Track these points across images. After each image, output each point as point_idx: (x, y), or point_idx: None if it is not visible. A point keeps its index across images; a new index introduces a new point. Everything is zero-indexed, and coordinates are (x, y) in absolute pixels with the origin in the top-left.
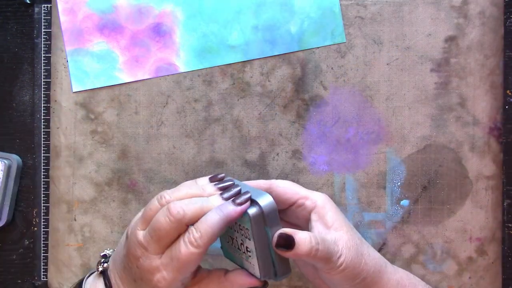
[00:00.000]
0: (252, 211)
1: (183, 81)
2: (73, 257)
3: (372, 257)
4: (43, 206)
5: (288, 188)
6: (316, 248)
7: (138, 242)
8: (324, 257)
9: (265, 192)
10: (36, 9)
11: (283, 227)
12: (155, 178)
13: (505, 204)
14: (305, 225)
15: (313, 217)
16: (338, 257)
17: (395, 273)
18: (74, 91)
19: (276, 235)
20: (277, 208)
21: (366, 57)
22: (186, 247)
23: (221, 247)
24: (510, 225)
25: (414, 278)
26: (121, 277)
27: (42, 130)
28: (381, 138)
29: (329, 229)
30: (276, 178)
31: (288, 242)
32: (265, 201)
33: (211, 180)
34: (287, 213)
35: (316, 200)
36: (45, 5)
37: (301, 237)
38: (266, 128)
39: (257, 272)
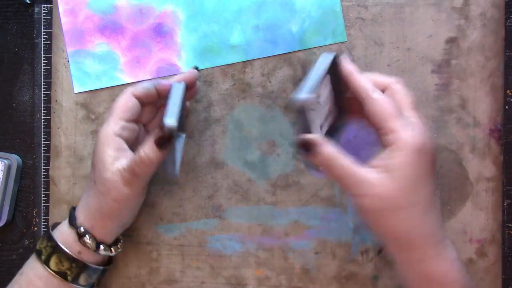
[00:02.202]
0: None
1: None
2: None
3: (423, 228)
4: (43, 206)
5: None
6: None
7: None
8: (342, 182)
9: None
10: (36, 9)
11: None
12: (154, 178)
13: (505, 204)
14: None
15: (381, 154)
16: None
17: (447, 263)
18: (75, 92)
19: (299, 137)
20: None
21: (367, 58)
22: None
23: None
24: (510, 225)
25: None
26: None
27: (42, 130)
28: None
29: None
30: (276, 180)
31: (306, 147)
32: None
33: None
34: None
35: (396, 140)
36: (45, 5)
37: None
38: (266, 129)
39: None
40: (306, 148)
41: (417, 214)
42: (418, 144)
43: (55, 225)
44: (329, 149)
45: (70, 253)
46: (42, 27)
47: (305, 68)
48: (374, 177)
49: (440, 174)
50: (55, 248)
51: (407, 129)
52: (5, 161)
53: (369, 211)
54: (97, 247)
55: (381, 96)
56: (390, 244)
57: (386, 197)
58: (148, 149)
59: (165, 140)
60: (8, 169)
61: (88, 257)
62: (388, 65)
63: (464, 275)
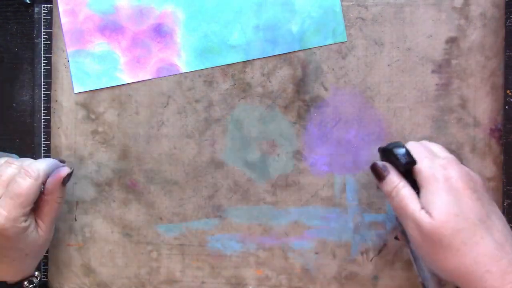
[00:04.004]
0: None
1: (184, 82)
2: (73, 257)
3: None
4: None
5: (413, 149)
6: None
7: None
8: (397, 206)
9: None
10: (36, 9)
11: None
12: (155, 178)
13: (505, 204)
14: None
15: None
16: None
17: None
18: (75, 92)
19: (376, 162)
20: None
21: (367, 58)
22: (25, 181)
23: None
24: (510, 225)
25: None
26: None
27: (42, 130)
28: (382, 139)
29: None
30: (276, 180)
31: (377, 174)
32: None
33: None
34: None
35: (423, 179)
36: (45, 5)
37: (390, 177)
38: (266, 128)
39: None
40: (378, 174)
41: (470, 239)
42: (438, 176)
43: None
44: (397, 179)
45: None
46: (42, 27)
47: (305, 68)
48: (420, 217)
49: None
50: None
51: (427, 166)
52: None
53: (424, 252)
54: None
55: (412, 143)
56: (456, 279)
57: (431, 234)
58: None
59: (69, 178)
60: None
61: None
62: (388, 65)
63: None
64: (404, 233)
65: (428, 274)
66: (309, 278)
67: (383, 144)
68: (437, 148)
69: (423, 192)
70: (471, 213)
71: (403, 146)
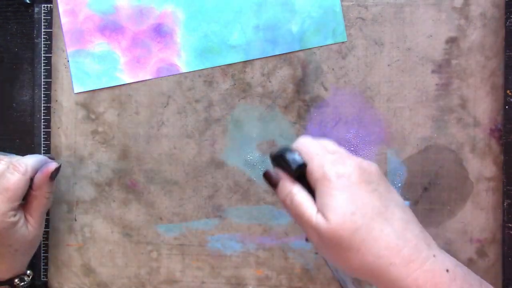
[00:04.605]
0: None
1: (184, 82)
2: (73, 257)
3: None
4: None
5: (302, 148)
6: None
7: None
8: (294, 214)
9: None
10: (36, 9)
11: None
12: (155, 178)
13: (505, 204)
14: None
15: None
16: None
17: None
18: (75, 92)
19: (267, 170)
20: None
21: (367, 58)
22: (13, 175)
23: None
24: (510, 225)
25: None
26: None
27: (42, 130)
28: (381, 139)
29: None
30: None
31: (270, 182)
32: None
33: None
34: None
35: (316, 180)
36: (45, 5)
37: (282, 184)
38: (266, 128)
39: None
40: (271, 182)
41: (369, 235)
42: (330, 175)
43: None
44: (289, 185)
45: None
46: (42, 27)
47: (305, 68)
48: (317, 223)
49: (440, 174)
50: None
51: (318, 165)
52: None
53: (327, 256)
54: None
55: (303, 140)
56: (364, 276)
57: (330, 238)
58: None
59: (57, 172)
60: None
61: None
62: (388, 65)
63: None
64: None
65: (342, 274)
66: (309, 278)
67: (274, 151)
68: (328, 144)
69: (317, 193)
70: (367, 207)
71: (293, 150)
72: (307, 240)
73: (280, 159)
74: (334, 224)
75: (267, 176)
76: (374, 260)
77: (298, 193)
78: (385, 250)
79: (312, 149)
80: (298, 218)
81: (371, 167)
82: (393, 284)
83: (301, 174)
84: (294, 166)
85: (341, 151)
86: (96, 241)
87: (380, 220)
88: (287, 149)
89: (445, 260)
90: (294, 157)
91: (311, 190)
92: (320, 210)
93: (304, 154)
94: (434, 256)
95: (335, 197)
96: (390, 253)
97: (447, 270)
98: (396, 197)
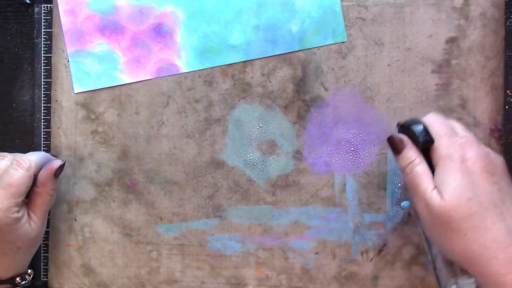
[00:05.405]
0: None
1: (184, 82)
2: (73, 257)
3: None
4: None
5: (431, 124)
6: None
7: None
8: (410, 183)
9: None
10: (36, 9)
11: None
12: (155, 178)
13: None
14: None
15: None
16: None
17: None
18: (75, 92)
19: (393, 135)
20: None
21: (367, 58)
22: (17, 171)
23: None
24: None
25: None
26: None
27: (42, 130)
28: (381, 139)
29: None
30: (277, 180)
31: (393, 147)
32: None
33: None
34: None
35: (440, 158)
36: (45, 5)
37: (406, 152)
38: (266, 129)
39: None
40: (395, 148)
41: (481, 223)
42: (455, 156)
43: None
44: (413, 155)
45: None
46: (42, 27)
47: (305, 68)
48: (431, 197)
49: None
50: None
51: (444, 145)
52: None
53: (431, 232)
54: None
55: (432, 117)
56: (462, 261)
57: (440, 215)
58: (48, 185)
59: (61, 170)
60: None
61: None
62: (388, 65)
63: None
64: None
65: (437, 252)
66: (309, 278)
67: (403, 121)
68: (457, 126)
69: (437, 170)
70: (485, 197)
71: (422, 123)
72: (410, 215)
73: (409, 129)
74: (449, 204)
75: (391, 140)
76: (478, 249)
77: (420, 164)
78: (492, 242)
79: (442, 127)
80: (414, 188)
81: (498, 159)
82: (490, 277)
83: (424, 149)
84: (421, 140)
85: (471, 136)
86: (96, 241)
87: (494, 213)
88: (417, 122)
89: None
90: (423, 131)
91: (431, 166)
92: (437, 186)
93: (433, 131)
94: None
95: (455, 178)
96: (497, 247)
97: None
98: None
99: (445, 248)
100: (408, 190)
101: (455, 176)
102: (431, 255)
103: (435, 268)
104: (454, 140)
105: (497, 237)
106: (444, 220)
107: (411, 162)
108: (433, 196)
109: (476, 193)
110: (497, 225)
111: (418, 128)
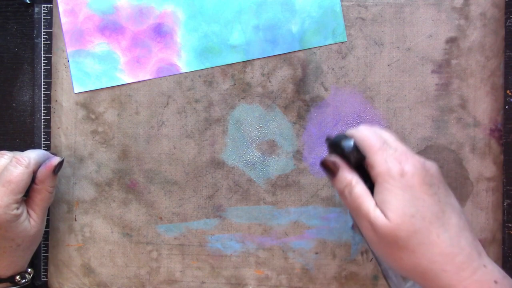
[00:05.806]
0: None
1: (184, 82)
2: (73, 257)
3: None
4: None
5: (363, 140)
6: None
7: None
8: (351, 205)
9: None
10: (36, 9)
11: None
12: (155, 178)
13: (505, 204)
14: None
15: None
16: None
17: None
18: (75, 92)
19: (326, 159)
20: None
21: (367, 58)
22: (16, 168)
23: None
24: (510, 225)
25: None
26: None
27: (42, 130)
28: None
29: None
30: (277, 180)
31: (328, 171)
32: None
33: None
34: None
35: (378, 175)
36: (45, 5)
37: (341, 174)
38: (266, 129)
39: None
40: (329, 171)
41: (426, 239)
42: (393, 172)
43: None
44: (349, 176)
45: None
46: (42, 27)
47: (305, 68)
48: (375, 218)
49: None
50: None
51: (380, 160)
52: None
53: (379, 251)
54: None
55: (362, 130)
56: (413, 277)
57: (387, 235)
58: (47, 182)
59: (60, 166)
60: None
61: None
62: (388, 65)
63: None
64: None
65: (388, 267)
66: (309, 278)
67: (331, 137)
68: (388, 136)
69: (377, 188)
70: (427, 211)
71: (351, 139)
72: (353, 227)
73: (337, 147)
74: (393, 224)
75: (325, 164)
76: (427, 265)
77: (357, 184)
78: (439, 256)
79: (374, 141)
80: (355, 210)
81: (433, 168)
82: (439, 282)
83: (356, 163)
84: (353, 159)
85: (403, 146)
86: (96, 241)
87: (437, 225)
88: (345, 137)
89: (494, 271)
90: (353, 148)
91: (366, 179)
92: (379, 205)
93: (364, 146)
94: (484, 266)
95: (396, 196)
96: (444, 259)
97: (496, 282)
98: (453, 201)
99: (395, 266)
100: (350, 212)
101: (396, 193)
102: (384, 269)
103: (386, 277)
104: (389, 153)
105: (443, 249)
106: (391, 239)
107: (347, 184)
108: (377, 216)
109: (418, 208)
110: (441, 237)
111: (348, 144)
